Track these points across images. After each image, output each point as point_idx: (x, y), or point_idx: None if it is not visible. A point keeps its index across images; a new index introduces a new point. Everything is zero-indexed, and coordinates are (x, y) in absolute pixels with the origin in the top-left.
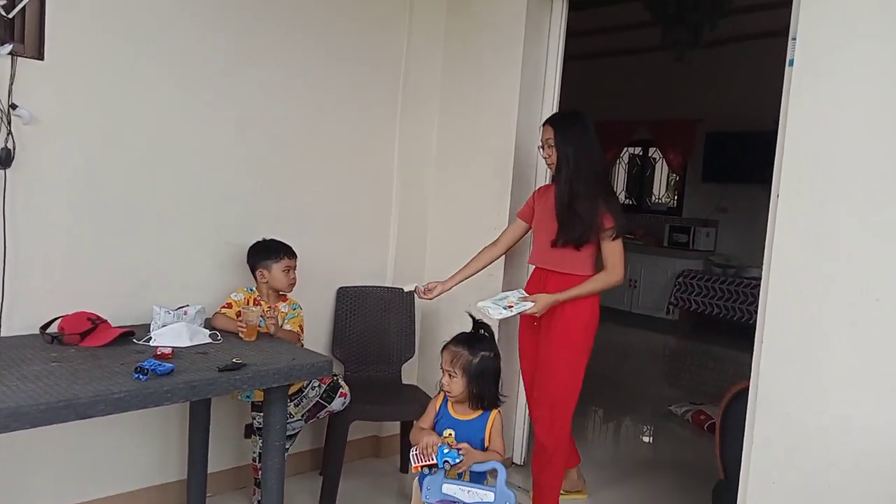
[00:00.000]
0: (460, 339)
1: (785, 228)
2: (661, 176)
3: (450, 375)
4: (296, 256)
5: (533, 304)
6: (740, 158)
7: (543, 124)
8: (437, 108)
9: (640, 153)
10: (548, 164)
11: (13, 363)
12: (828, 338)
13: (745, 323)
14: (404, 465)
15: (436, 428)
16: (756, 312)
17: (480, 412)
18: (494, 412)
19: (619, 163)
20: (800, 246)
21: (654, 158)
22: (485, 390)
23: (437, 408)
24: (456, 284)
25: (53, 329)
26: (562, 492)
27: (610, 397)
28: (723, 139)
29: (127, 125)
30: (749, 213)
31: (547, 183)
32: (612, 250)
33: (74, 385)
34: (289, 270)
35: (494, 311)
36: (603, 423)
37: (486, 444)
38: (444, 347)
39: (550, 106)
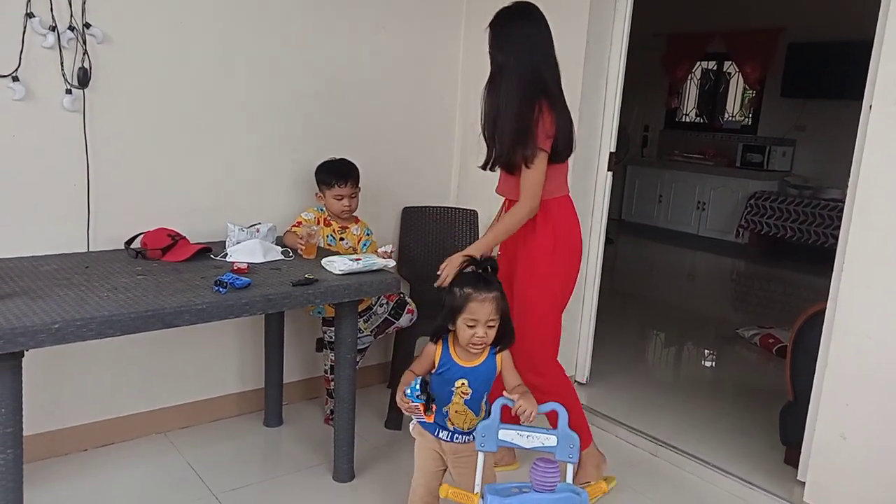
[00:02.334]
0: (483, 283)
1: (876, 144)
2: (736, 92)
3: (489, 326)
4: (354, 183)
5: (388, 261)
6: (825, 71)
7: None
8: None
9: (714, 67)
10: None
11: (103, 276)
12: None
13: (821, 246)
14: None
15: (445, 376)
16: (833, 236)
17: (486, 355)
18: (502, 351)
19: (692, 78)
20: (891, 163)
21: (730, 73)
22: (507, 329)
23: (439, 358)
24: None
25: (136, 244)
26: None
27: (674, 321)
28: (807, 50)
29: (197, 44)
30: (831, 130)
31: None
32: (523, 178)
33: (160, 297)
34: (341, 198)
35: (339, 264)
36: (665, 346)
37: (505, 383)
38: (473, 298)
39: (623, 16)
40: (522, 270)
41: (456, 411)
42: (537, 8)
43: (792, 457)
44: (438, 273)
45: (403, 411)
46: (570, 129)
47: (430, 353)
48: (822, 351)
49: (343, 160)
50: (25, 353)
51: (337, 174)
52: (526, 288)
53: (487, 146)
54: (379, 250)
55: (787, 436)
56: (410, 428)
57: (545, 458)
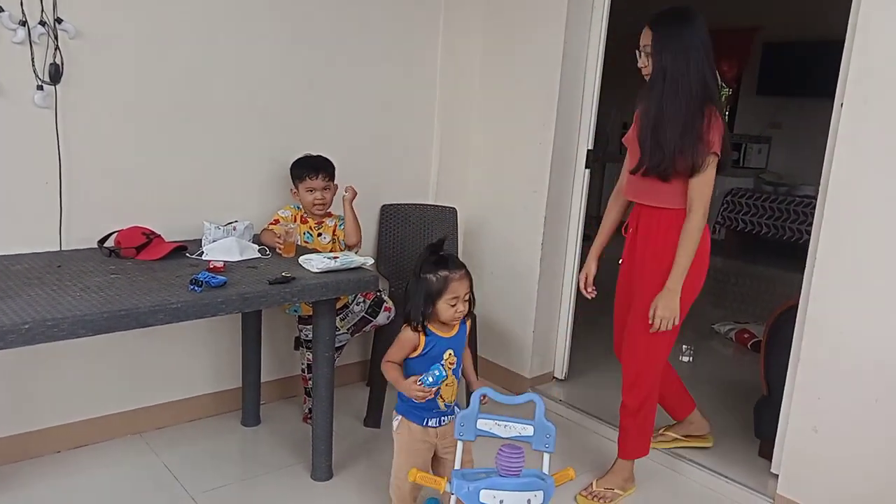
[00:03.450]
0: (453, 263)
1: (846, 142)
2: None
3: (465, 300)
4: (326, 176)
5: (366, 259)
6: (800, 70)
7: (645, 25)
8: (480, 19)
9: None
10: (644, 76)
11: (75, 275)
12: (887, 261)
13: (795, 243)
14: None
15: (431, 354)
16: (807, 232)
17: (458, 323)
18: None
19: None
20: (862, 162)
21: None
22: (472, 301)
23: (424, 340)
24: (599, 255)
25: (110, 243)
26: (683, 437)
27: None
28: (782, 49)
29: (174, 40)
30: (805, 128)
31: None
32: (693, 186)
33: (134, 296)
34: (313, 191)
35: (317, 262)
36: None
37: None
38: (451, 279)
39: (601, 14)
40: (648, 281)
41: (446, 384)
42: (698, 12)
43: (766, 450)
44: (657, 325)
45: (417, 400)
46: (729, 138)
47: (410, 339)
48: (794, 345)
49: (317, 155)
50: None
51: (308, 166)
52: (648, 300)
53: (641, 152)
54: (344, 190)
55: (760, 429)
56: (395, 427)
57: (511, 444)
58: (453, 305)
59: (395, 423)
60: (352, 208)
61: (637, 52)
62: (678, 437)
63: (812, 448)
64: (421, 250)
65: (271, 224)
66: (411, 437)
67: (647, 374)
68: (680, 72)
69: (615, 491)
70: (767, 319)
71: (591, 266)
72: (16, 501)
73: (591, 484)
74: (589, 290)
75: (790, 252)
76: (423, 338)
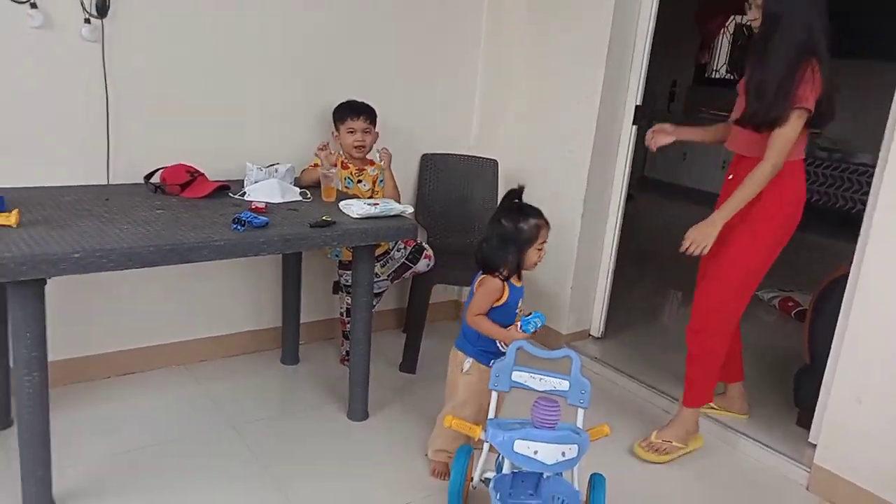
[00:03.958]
0: (537, 210)
1: None
2: None
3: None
4: (367, 119)
5: (405, 207)
6: (865, 30)
7: None
8: None
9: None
10: (752, 28)
11: (123, 209)
12: None
13: (848, 211)
14: None
15: (510, 303)
16: (861, 201)
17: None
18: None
19: (724, 33)
20: None
21: None
22: None
23: (508, 291)
24: (684, 137)
25: (156, 179)
26: (720, 407)
27: (692, 280)
28: (847, 6)
29: None
30: (864, 91)
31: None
32: (773, 136)
33: (178, 231)
34: (353, 132)
35: (357, 207)
36: (682, 304)
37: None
38: (541, 226)
39: None
40: (740, 229)
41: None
42: None
43: (805, 419)
44: (686, 244)
45: (526, 340)
46: (833, 94)
47: (497, 289)
48: (842, 314)
49: (360, 101)
50: (48, 280)
51: (350, 109)
52: (738, 247)
53: (746, 101)
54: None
55: (800, 398)
56: (465, 369)
57: (547, 397)
58: (539, 250)
59: (465, 366)
60: (391, 172)
61: (746, 3)
62: (713, 405)
63: (854, 419)
64: (463, 200)
65: (311, 166)
66: (481, 377)
67: (714, 322)
68: (787, 23)
69: (674, 444)
70: (815, 287)
71: (678, 132)
72: (67, 423)
73: (651, 434)
74: (654, 141)
75: (840, 221)
76: (507, 287)
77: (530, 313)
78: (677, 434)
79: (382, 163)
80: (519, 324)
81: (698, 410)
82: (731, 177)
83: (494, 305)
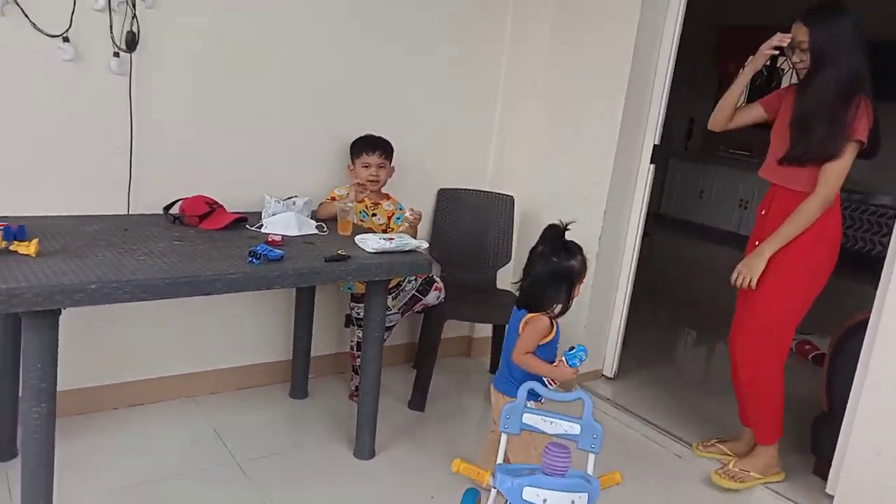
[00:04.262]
0: (579, 247)
1: None
2: None
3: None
4: (382, 154)
5: (420, 242)
6: (884, 72)
7: (796, 21)
8: (551, 7)
9: (768, 62)
10: (796, 70)
11: (141, 239)
12: None
13: (868, 253)
14: (493, 366)
15: (555, 340)
16: (881, 243)
17: None
18: None
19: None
20: None
21: (783, 69)
22: None
23: (555, 329)
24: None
25: (175, 210)
26: (733, 453)
27: (707, 320)
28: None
29: (241, 16)
30: (885, 134)
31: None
32: (825, 170)
33: (194, 263)
34: (368, 166)
35: (373, 242)
36: (696, 345)
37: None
38: (586, 261)
39: (676, 10)
40: (774, 261)
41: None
42: (848, 6)
43: (822, 469)
44: (735, 276)
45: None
46: (878, 128)
47: (546, 327)
48: (862, 362)
49: (377, 136)
50: (63, 311)
51: (367, 143)
52: (772, 285)
53: (791, 140)
54: (407, 212)
55: (818, 447)
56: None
57: (558, 442)
58: (580, 286)
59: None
60: (414, 231)
61: (789, 49)
62: (727, 452)
63: (873, 472)
64: (479, 235)
65: (327, 200)
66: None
67: (760, 352)
68: (831, 63)
69: (750, 473)
70: (834, 332)
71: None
72: (72, 455)
73: (729, 463)
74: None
75: (860, 263)
76: (554, 324)
77: (573, 348)
78: (755, 465)
79: (407, 224)
80: (564, 359)
81: (775, 445)
82: (763, 212)
83: (541, 343)
